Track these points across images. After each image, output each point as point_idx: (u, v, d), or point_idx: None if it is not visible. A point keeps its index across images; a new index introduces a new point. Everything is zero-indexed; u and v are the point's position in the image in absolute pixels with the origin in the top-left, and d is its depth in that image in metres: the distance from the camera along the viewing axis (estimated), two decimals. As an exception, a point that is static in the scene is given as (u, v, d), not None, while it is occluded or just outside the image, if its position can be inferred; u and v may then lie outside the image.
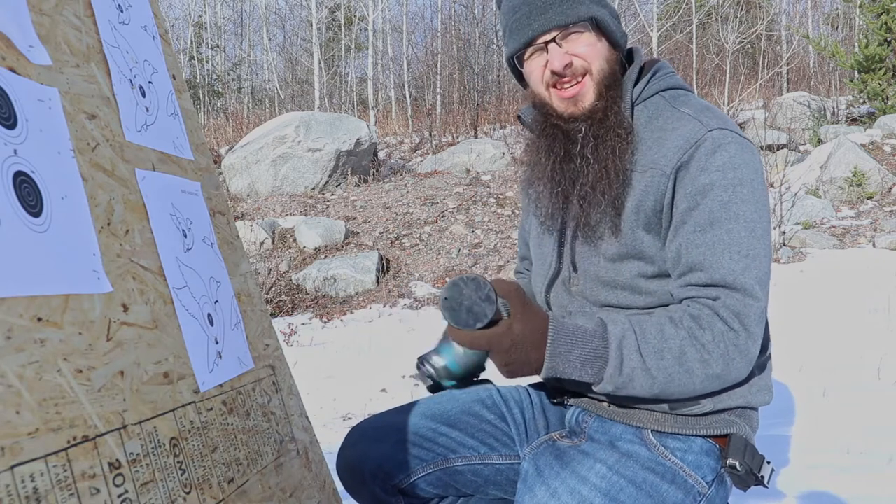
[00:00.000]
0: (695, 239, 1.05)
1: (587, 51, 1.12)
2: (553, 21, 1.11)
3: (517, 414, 1.27)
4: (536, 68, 1.16)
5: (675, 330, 1.01)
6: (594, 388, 1.03)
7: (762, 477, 1.10)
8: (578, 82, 1.14)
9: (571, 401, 1.23)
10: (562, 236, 1.22)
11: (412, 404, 1.30)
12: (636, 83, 1.16)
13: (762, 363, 1.14)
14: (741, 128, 11.43)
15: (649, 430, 1.11)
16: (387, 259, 6.67)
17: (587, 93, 1.14)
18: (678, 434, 1.10)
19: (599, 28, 1.13)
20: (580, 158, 1.14)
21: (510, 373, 1.01)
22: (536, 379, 1.15)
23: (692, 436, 1.10)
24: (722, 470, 1.10)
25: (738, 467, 1.07)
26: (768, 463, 1.12)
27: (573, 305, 1.20)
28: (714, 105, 1.18)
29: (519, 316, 0.98)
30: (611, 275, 1.13)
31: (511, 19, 1.15)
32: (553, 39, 1.12)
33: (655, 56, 13.11)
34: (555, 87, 1.15)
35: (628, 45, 1.22)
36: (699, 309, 1.03)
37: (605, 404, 1.17)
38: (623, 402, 1.13)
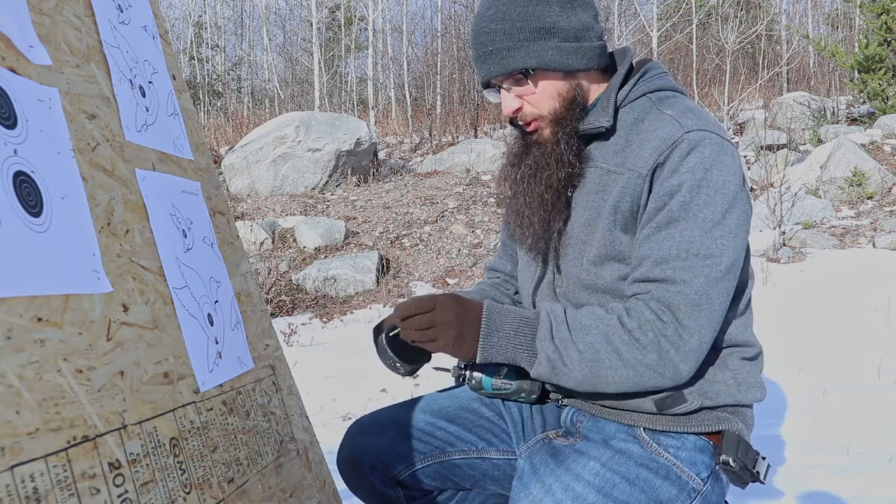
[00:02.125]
0: (649, 234, 1.06)
1: (533, 98, 1.14)
2: (492, 72, 1.14)
3: (515, 412, 1.28)
4: (500, 103, 1.19)
5: (605, 313, 1.05)
6: (532, 372, 1.06)
7: (757, 473, 1.10)
8: (533, 122, 1.17)
9: (565, 401, 1.24)
10: (548, 239, 1.22)
11: (412, 400, 1.32)
12: (623, 85, 1.16)
13: (749, 360, 1.14)
14: (741, 128, 11.48)
15: (642, 428, 1.11)
16: (387, 259, 6.67)
17: (543, 129, 1.17)
18: (671, 432, 1.10)
19: (544, 69, 1.13)
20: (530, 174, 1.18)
21: (454, 340, 1.05)
22: None
23: (685, 433, 1.10)
24: (717, 466, 1.10)
25: (731, 463, 1.08)
26: (763, 458, 1.13)
27: None
28: (701, 106, 1.17)
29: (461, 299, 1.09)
30: (592, 278, 1.14)
31: (471, 56, 1.19)
32: (501, 85, 1.15)
33: (655, 56, 13.13)
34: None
35: (618, 48, 1.22)
36: (631, 303, 1.05)
37: (598, 405, 1.17)
38: (605, 399, 1.14)
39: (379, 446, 1.24)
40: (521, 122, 1.18)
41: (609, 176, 1.12)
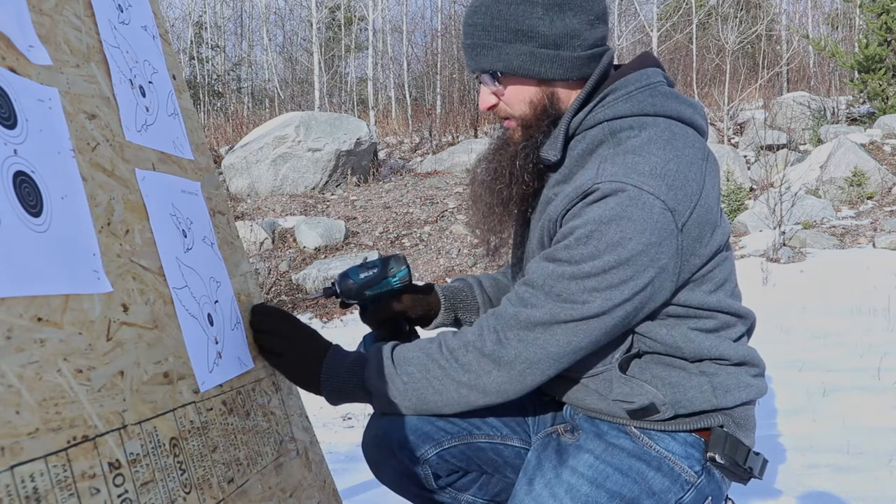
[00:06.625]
0: (538, 257, 1.05)
1: (505, 97, 1.13)
2: (470, 66, 1.14)
3: (528, 406, 1.31)
4: None
5: (429, 342, 1.10)
6: (373, 407, 1.15)
7: (750, 469, 1.10)
8: (507, 120, 1.16)
9: (565, 399, 1.25)
10: (491, 251, 1.27)
11: None
12: (579, 110, 1.09)
13: (731, 365, 1.11)
14: (741, 128, 11.47)
15: (632, 426, 1.12)
16: (387, 259, 6.67)
17: (515, 132, 1.15)
18: (658, 431, 1.11)
19: (512, 74, 1.09)
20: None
21: (296, 373, 1.16)
22: None
23: (673, 431, 1.11)
24: (707, 462, 1.10)
25: (718, 459, 1.08)
26: (756, 454, 1.12)
27: None
28: (671, 144, 1.02)
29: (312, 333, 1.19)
30: None
31: None
32: (481, 79, 1.14)
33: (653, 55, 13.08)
34: None
35: (594, 52, 1.10)
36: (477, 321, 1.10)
37: (582, 408, 1.19)
38: (587, 403, 1.16)
39: (407, 426, 1.25)
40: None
41: (550, 205, 1.09)
